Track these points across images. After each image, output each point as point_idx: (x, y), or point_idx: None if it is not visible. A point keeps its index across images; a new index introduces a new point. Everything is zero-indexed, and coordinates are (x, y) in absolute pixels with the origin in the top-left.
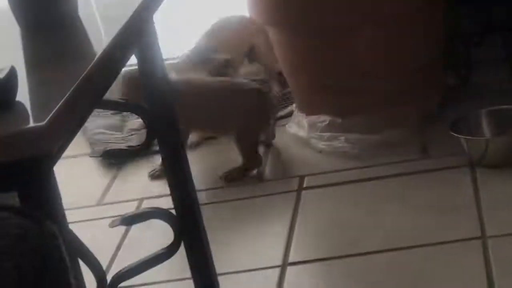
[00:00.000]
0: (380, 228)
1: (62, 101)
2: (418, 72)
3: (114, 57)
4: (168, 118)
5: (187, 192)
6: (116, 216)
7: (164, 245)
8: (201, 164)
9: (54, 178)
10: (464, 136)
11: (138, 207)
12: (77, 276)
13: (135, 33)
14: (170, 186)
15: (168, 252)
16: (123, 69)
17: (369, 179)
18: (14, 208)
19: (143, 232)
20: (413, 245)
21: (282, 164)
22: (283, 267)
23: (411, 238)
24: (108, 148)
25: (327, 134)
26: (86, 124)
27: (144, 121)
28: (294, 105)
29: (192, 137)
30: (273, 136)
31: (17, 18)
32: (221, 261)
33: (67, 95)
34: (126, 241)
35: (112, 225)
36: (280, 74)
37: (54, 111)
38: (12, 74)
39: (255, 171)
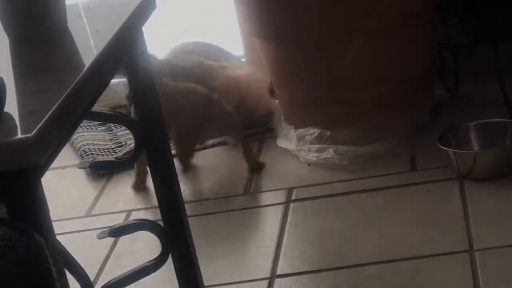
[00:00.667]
0: (368, 240)
1: (50, 113)
2: (407, 84)
3: (103, 69)
4: (157, 130)
5: (175, 204)
6: (104, 227)
7: (151, 257)
8: (188, 176)
9: (42, 189)
10: (452, 149)
11: (126, 219)
12: None
13: (124, 45)
14: (158, 198)
15: (155, 264)
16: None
17: (358, 192)
18: (1, 219)
19: (131, 243)
20: (401, 258)
21: (270, 176)
22: (271, 279)
23: (399, 250)
24: (96, 160)
25: (315, 146)
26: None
27: (132, 133)
28: (282, 117)
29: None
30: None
31: (6, 29)
32: (209, 273)
33: (55, 106)
34: (114, 252)
35: (100, 236)
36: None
37: (42, 122)
38: (0, 85)
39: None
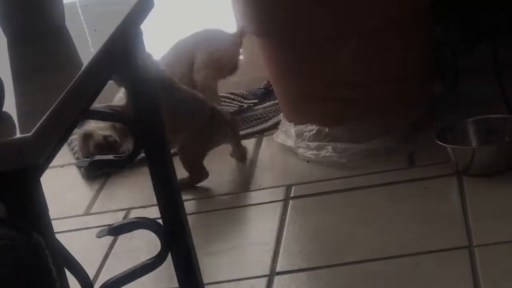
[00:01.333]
0: (367, 237)
1: (48, 112)
2: (405, 81)
3: (102, 67)
4: (155, 129)
5: (174, 202)
6: (103, 226)
7: (151, 255)
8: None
9: (41, 188)
10: (450, 145)
11: (125, 217)
12: (64, 287)
13: (122, 44)
14: (157, 196)
15: (155, 262)
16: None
17: (357, 188)
18: (0, 219)
19: (130, 242)
20: (400, 254)
21: (269, 173)
22: (271, 276)
23: (398, 247)
24: (94, 158)
25: (314, 143)
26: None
27: (131, 132)
28: (281, 114)
29: None
30: (244, 154)
31: (4, 29)
32: (208, 271)
33: (53, 105)
34: (113, 251)
35: (99, 235)
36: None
37: (40, 122)
38: None
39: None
